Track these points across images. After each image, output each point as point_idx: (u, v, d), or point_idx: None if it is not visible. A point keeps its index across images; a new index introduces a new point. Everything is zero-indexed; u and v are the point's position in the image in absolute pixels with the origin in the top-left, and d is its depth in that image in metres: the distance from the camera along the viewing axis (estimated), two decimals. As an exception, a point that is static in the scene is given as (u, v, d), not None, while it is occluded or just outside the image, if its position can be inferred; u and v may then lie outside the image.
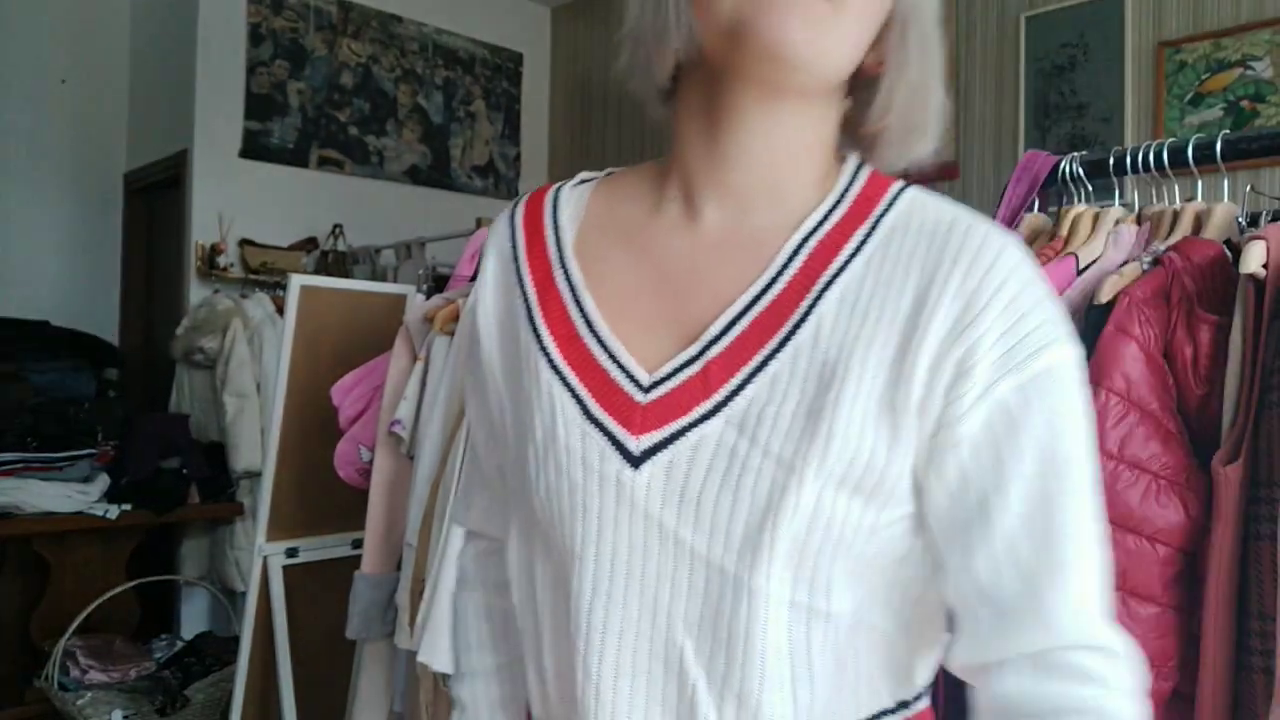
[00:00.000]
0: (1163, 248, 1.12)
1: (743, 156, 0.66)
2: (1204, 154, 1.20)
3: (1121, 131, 3.15)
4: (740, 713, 0.61)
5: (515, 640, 0.75)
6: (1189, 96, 3.03)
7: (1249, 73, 2.91)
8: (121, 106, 4.51)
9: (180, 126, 4.10)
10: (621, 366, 0.66)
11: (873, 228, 0.65)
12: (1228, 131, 1.23)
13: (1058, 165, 1.32)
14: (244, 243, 4.08)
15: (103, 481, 3.33)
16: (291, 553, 2.28)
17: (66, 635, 2.93)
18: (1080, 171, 1.30)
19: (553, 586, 0.67)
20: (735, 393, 0.62)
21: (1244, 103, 2.92)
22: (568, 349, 0.67)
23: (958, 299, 0.61)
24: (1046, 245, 1.25)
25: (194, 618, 3.87)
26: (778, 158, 0.66)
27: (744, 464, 0.61)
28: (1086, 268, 1.19)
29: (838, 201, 0.67)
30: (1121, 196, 1.42)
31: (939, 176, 3.63)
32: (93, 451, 3.40)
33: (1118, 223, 1.25)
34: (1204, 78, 3.00)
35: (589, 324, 0.68)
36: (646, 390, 0.64)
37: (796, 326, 0.63)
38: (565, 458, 0.65)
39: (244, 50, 4.15)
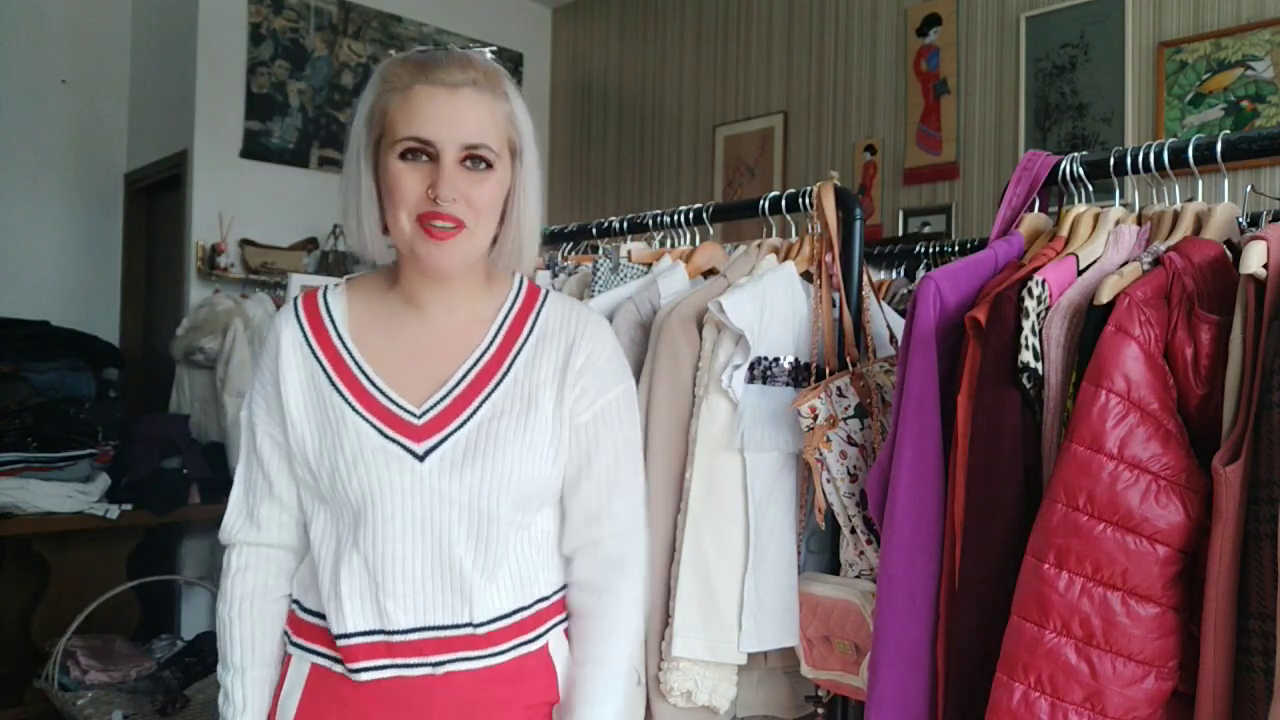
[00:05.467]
0: (1163, 248, 1.12)
1: (445, 287, 1.13)
2: (1204, 154, 1.20)
3: (1122, 132, 3.15)
4: (487, 579, 1.10)
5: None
6: (1189, 96, 3.03)
7: (1249, 73, 2.91)
8: (121, 106, 4.51)
9: (180, 126, 4.10)
10: (399, 405, 1.10)
11: (535, 319, 1.17)
12: (1228, 131, 1.22)
13: (1058, 165, 1.32)
14: (244, 243, 4.08)
15: (103, 481, 3.33)
16: (291, 553, 2.27)
17: (66, 635, 2.92)
18: (1080, 172, 1.30)
19: (354, 543, 1.08)
20: (474, 413, 1.10)
21: (1244, 103, 2.92)
22: (361, 399, 1.10)
23: (574, 354, 1.15)
24: (1047, 245, 1.24)
25: (194, 618, 3.87)
26: (463, 283, 1.14)
27: (486, 451, 1.09)
28: (1087, 268, 1.19)
29: (513, 304, 1.17)
30: (1122, 196, 1.42)
31: (939, 177, 3.63)
32: (93, 451, 3.40)
33: (1118, 223, 1.25)
34: (1204, 78, 3.00)
35: (371, 382, 1.11)
36: (419, 417, 1.09)
37: (503, 377, 1.13)
38: (373, 462, 1.07)
39: (244, 50, 4.16)
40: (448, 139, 1.04)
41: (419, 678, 1.09)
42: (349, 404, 1.10)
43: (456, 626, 1.09)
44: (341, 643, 1.08)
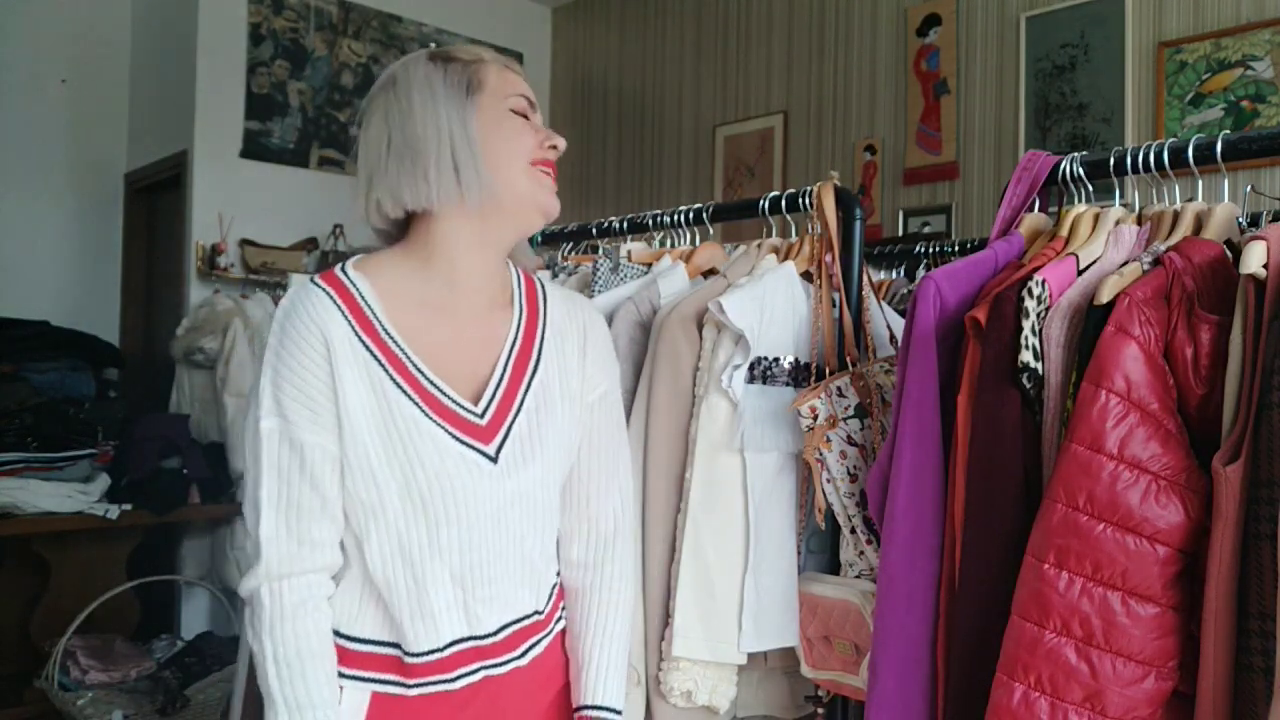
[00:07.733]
0: (1163, 248, 1.12)
1: (490, 258, 1.14)
2: (1204, 154, 1.20)
3: (1122, 132, 3.15)
4: (548, 564, 1.18)
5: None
6: (1189, 96, 3.03)
7: (1249, 73, 2.91)
8: (121, 106, 4.51)
9: (180, 126, 4.10)
10: (460, 405, 1.08)
11: (544, 307, 1.20)
12: (1228, 132, 1.23)
13: (1058, 165, 1.32)
14: (244, 243, 4.08)
15: (103, 481, 3.33)
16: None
17: (66, 635, 2.93)
18: (1080, 172, 1.30)
19: (437, 555, 1.06)
20: (522, 404, 1.12)
21: (1244, 103, 2.92)
22: (429, 402, 1.06)
23: (588, 340, 1.21)
24: (1047, 245, 1.24)
25: (194, 618, 3.87)
26: (492, 271, 1.16)
27: (539, 442, 1.12)
28: (1087, 268, 1.19)
29: (517, 287, 1.19)
30: (1122, 196, 1.42)
31: (939, 177, 3.63)
32: (93, 451, 3.40)
33: (1118, 223, 1.25)
34: (1204, 78, 3.00)
35: (429, 380, 1.07)
36: (480, 416, 1.09)
37: (536, 365, 1.15)
38: (456, 472, 1.06)
39: (244, 50, 4.15)
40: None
41: (504, 674, 1.12)
42: (420, 409, 1.05)
43: (530, 616, 1.15)
44: (434, 656, 1.07)
